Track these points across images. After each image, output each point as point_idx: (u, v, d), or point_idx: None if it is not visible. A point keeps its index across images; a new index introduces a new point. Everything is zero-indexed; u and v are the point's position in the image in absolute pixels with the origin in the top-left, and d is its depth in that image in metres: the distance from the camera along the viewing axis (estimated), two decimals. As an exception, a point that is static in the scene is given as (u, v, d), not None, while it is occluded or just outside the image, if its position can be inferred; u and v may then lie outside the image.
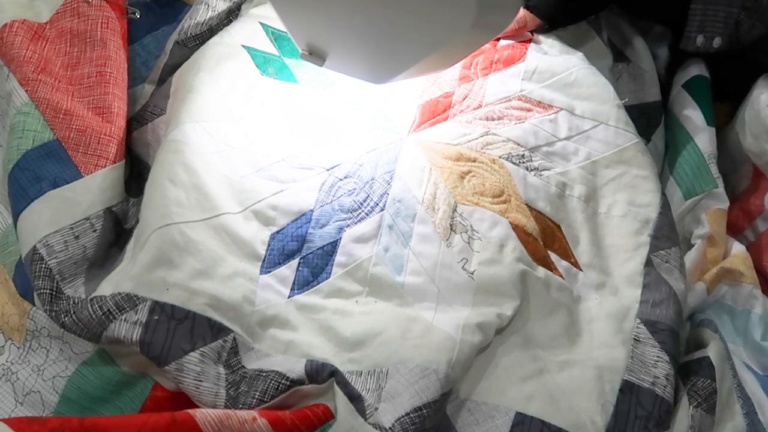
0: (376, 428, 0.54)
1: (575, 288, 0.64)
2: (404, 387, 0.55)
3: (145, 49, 0.74)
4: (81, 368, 0.58)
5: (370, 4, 0.58)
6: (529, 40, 0.76)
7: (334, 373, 0.56)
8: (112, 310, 0.56)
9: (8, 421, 0.49)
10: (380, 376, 0.57)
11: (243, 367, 0.58)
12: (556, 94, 0.73)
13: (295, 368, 0.57)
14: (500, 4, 0.58)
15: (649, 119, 0.79)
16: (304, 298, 0.61)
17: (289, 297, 0.61)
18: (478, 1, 0.54)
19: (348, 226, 0.63)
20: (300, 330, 0.60)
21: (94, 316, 0.56)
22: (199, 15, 0.74)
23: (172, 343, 0.56)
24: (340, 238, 0.63)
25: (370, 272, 0.62)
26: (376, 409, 0.56)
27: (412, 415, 0.54)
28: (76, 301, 0.57)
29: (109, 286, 0.57)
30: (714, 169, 0.72)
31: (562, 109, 0.72)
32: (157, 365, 0.56)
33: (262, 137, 0.66)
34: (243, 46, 0.72)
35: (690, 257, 0.70)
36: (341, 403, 0.55)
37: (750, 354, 0.65)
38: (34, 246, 0.59)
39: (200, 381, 0.56)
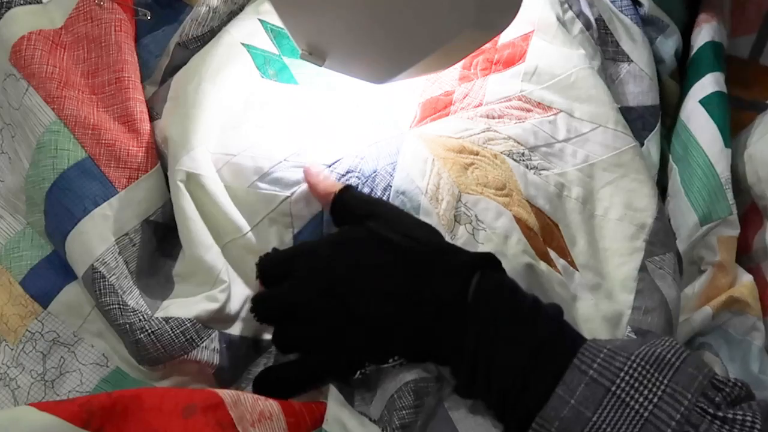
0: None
1: (572, 287, 0.66)
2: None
3: (145, 50, 0.74)
4: (101, 385, 0.63)
5: (370, 4, 0.59)
6: (532, 32, 0.75)
7: None
8: (194, 338, 0.60)
9: (34, 404, 0.52)
10: None
11: None
12: (555, 96, 0.74)
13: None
14: (500, 4, 0.60)
15: (645, 123, 0.80)
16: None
17: None
18: (478, 2, 0.55)
19: (355, 221, 0.65)
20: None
21: (176, 342, 0.59)
22: (200, 16, 0.74)
23: (235, 369, 0.62)
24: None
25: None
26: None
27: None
28: (146, 316, 0.60)
29: (187, 311, 0.60)
30: (730, 195, 0.71)
31: (561, 111, 0.73)
32: (219, 385, 0.62)
33: (262, 138, 0.67)
34: (243, 44, 0.72)
35: (699, 283, 0.71)
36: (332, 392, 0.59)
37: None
38: (92, 265, 0.61)
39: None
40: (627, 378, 0.50)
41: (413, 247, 0.58)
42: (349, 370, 0.60)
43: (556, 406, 0.51)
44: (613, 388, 0.50)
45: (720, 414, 0.48)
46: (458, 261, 0.57)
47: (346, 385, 0.60)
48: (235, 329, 0.63)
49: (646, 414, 0.49)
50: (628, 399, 0.49)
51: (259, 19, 0.74)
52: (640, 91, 0.80)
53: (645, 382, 0.50)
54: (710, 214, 0.71)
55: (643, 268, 0.69)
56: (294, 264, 0.59)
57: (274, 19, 0.73)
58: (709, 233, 0.71)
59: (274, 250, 0.62)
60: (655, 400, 0.49)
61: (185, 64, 0.73)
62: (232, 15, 0.76)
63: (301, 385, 0.60)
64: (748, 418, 0.48)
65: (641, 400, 0.49)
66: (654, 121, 0.80)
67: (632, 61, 0.81)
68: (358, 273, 0.58)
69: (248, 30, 0.73)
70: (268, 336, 0.64)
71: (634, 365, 0.50)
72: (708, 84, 0.77)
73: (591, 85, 0.75)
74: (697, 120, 0.76)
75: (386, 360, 0.59)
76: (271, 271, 0.60)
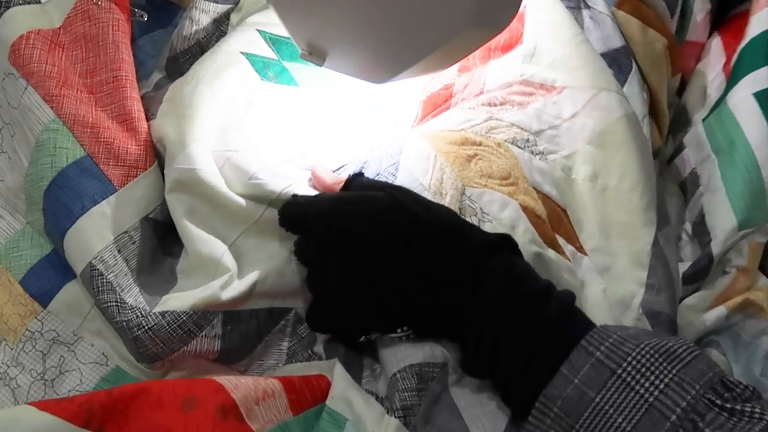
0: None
1: (580, 273, 0.66)
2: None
3: (141, 50, 0.75)
4: (101, 384, 0.62)
5: (371, 3, 0.59)
6: (524, 9, 0.74)
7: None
8: (192, 329, 0.60)
9: (34, 403, 0.52)
10: None
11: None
12: (558, 72, 0.72)
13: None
14: (501, 3, 0.60)
15: (621, 66, 0.77)
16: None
17: None
18: (478, 0, 0.55)
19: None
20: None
21: (174, 335, 0.59)
22: (185, 30, 0.74)
23: (244, 343, 0.62)
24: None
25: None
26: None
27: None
28: (144, 313, 0.59)
29: (183, 302, 0.60)
30: None
31: (565, 87, 0.72)
32: (226, 365, 0.62)
33: (264, 140, 0.67)
34: (242, 52, 0.72)
35: (721, 283, 0.70)
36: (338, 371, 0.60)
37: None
38: (90, 262, 0.61)
39: (262, 360, 0.63)
40: (634, 363, 0.49)
41: (432, 222, 0.59)
42: (356, 334, 0.61)
43: (559, 385, 0.50)
44: (619, 371, 0.49)
45: (728, 406, 0.48)
46: (475, 241, 0.58)
47: (352, 347, 0.62)
48: (246, 305, 0.62)
49: (651, 399, 0.48)
50: (633, 383, 0.49)
51: (258, 30, 0.74)
52: (607, 34, 0.77)
53: (653, 369, 0.49)
54: (749, 220, 0.69)
55: (655, 242, 0.68)
56: (312, 220, 0.61)
57: (273, 29, 0.74)
58: (743, 238, 0.70)
59: (294, 197, 0.63)
60: (662, 386, 0.48)
61: (178, 77, 0.73)
62: (217, 23, 0.76)
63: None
64: (757, 410, 0.47)
65: (647, 385, 0.49)
66: (628, 62, 0.76)
67: (589, 6, 0.78)
68: (375, 241, 0.58)
69: (247, 39, 0.73)
70: (281, 305, 0.64)
71: (643, 352, 0.50)
72: (766, 77, 0.72)
73: (584, 51, 0.73)
74: (749, 115, 0.72)
75: (394, 329, 0.59)
76: (294, 219, 0.62)
